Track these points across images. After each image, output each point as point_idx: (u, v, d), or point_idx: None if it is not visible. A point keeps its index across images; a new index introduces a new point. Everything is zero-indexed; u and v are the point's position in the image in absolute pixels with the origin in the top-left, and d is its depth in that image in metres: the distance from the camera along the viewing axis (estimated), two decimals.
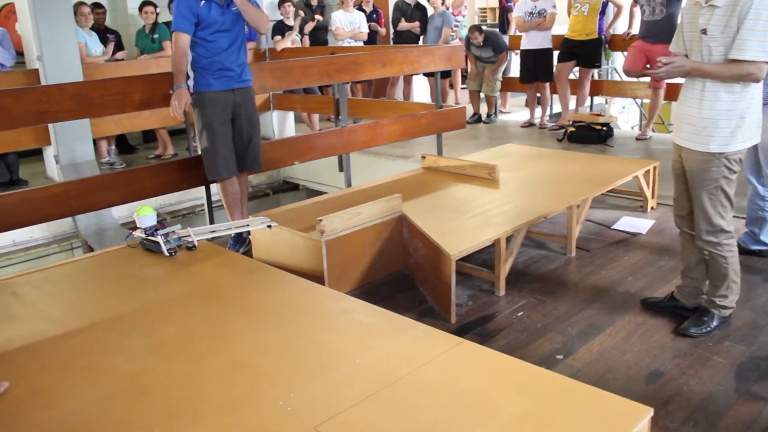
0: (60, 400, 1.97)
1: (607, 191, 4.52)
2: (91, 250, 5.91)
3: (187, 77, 3.83)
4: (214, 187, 4.24)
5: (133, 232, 3.33)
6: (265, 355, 2.19)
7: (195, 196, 7.17)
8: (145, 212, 3.33)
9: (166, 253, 3.10)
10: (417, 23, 8.64)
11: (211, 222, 4.72)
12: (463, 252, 3.21)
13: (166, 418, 1.85)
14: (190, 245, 3.23)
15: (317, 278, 3.16)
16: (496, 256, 3.47)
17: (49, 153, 6.87)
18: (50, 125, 6.31)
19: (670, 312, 3.19)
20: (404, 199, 3.73)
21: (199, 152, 4.07)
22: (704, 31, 2.75)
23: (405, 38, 8.65)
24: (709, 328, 3.00)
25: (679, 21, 3.02)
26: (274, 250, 3.54)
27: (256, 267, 3.02)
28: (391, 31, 8.87)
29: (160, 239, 3.14)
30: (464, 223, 3.60)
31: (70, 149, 6.50)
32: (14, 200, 3.65)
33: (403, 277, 3.70)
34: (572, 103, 7.72)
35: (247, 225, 3.56)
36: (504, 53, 7.98)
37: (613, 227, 4.43)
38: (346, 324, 2.40)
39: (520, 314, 3.28)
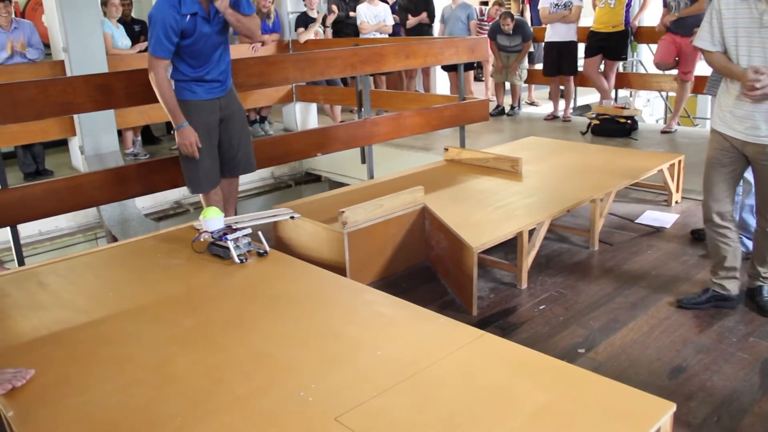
0: (84, 388, 1.99)
1: (631, 185, 4.47)
2: (115, 240, 5.98)
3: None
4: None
5: (200, 236, 3.08)
6: (285, 345, 2.20)
7: None
8: (211, 214, 3.11)
9: (237, 260, 2.88)
10: (424, 14, 8.57)
11: (234, 213, 4.75)
12: (485, 245, 3.20)
13: (188, 407, 1.86)
14: (261, 251, 2.99)
15: (339, 270, 3.16)
16: (518, 249, 3.45)
17: (74, 143, 6.95)
18: (75, 116, 6.38)
19: (704, 308, 3.17)
20: (426, 191, 3.73)
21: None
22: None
23: (418, 32, 8.58)
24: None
25: (712, 16, 2.89)
26: (296, 241, 3.55)
27: (279, 258, 3.03)
28: (401, 32, 8.78)
29: (230, 245, 2.92)
30: (487, 215, 3.58)
31: (95, 140, 6.58)
32: (40, 190, 3.69)
33: (424, 269, 3.70)
34: (597, 96, 7.65)
35: (273, 216, 3.57)
36: (529, 42, 7.91)
37: (636, 221, 4.39)
38: (367, 315, 2.41)
39: (541, 307, 3.27)
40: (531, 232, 3.49)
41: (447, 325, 2.27)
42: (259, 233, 3.04)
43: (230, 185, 4.08)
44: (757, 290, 3.16)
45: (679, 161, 4.62)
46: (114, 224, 6.34)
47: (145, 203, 6.85)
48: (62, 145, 7.45)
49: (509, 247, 3.81)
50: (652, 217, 4.44)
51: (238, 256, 2.89)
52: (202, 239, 3.05)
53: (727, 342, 2.88)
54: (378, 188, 4.02)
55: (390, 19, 8.26)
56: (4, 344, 2.28)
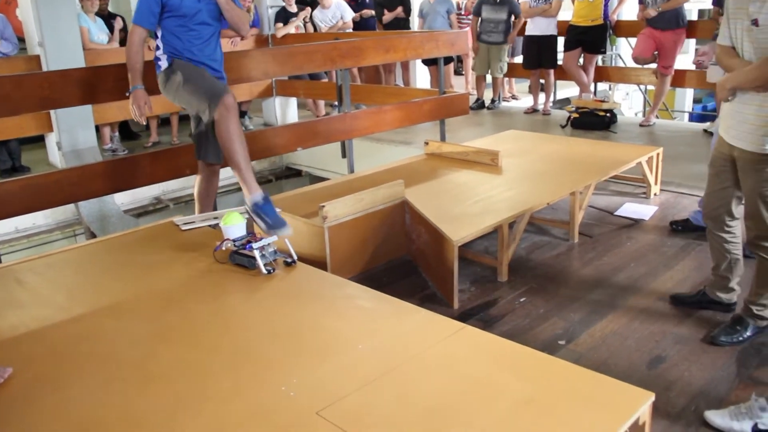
0: (65, 385, 1.98)
1: (610, 177, 4.51)
2: (93, 236, 5.93)
3: (157, 59, 3.51)
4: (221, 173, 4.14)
5: (221, 244, 2.87)
6: (267, 340, 2.20)
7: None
8: (233, 221, 2.90)
9: (264, 271, 2.69)
10: (399, 8, 8.54)
11: (215, 208, 4.72)
12: (465, 238, 3.21)
13: (170, 403, 1.86)
14: (289, 261, 2.82)
15: (320, 264, 3.16)
16: (498, 242, 3.47)
17: (51, 139, 6.86)
18: (52, 112, 6.30)
19: (702, 307, 3.09)
20: (407, 185, 3.73)
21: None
22: (755, 22, 2.52)
23: (395, 27, 8.52)
24: (741, 338, 2.80)
25: (726, 12, 2.74)
26: None
27: None
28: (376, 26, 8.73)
29: (256, 254, 2.72)
30: (467, 209, 3.59)
31: (72, 136, 6.49)
32: (16, 187, 3.64)
33: (405, 263, 3.71)
34: (576, 90, 7.69)
35: None
36: (520, 18, 7.75)
37: (615, 213, 4.43)
38: (348, 309, 2.41)
39: (522, 300, 3.29)
40: (511, 225, 3.50)
41: (428, 319, 2.28)
42: (287, 241, 2.89)
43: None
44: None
45: (658, 154, 4.66)
46: (93, 221, 6.29)
47: (125, 199, 6.79)
48: (39, 141, 7.36)
49: (490, 241, 3.83)
50: (631, 209, 4.48)
51: (265, 266, 2.71)
52: (224, 248, 2.85)
53: (706, 332, 2.92)
54: (358, 182, 4.02)
55: (348, 15, 8.09)
56: None
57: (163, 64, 3.49)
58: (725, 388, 2.53)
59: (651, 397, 1.79)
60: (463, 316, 3.13)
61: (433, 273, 3.44)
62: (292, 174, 8.20)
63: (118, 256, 3.04)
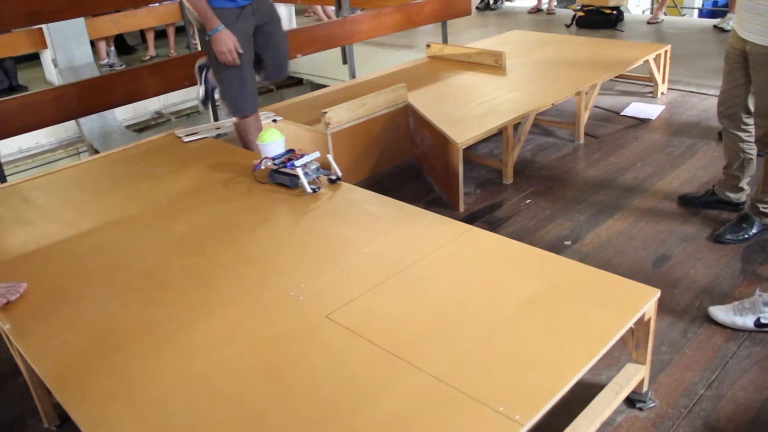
0: (79, 298, 2.01)
1: (617, 77, 4.42)
2: (96, 153, 5.91)
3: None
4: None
5: (260, 163, 2.68)
6: (274, 247, 2.21)
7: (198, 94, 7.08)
8: (271, 137, 2.74)
9: (309, 190, 2.51)
10: None
11: (216, 119, 4.69)
12: (470, 140, 3.18)
13: (182, 311, 1.89)
14: (333, 178, 2.64)
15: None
16: (503, 144, 3.44)
17: (46, 57, 6.76)
18: (45, 28, 6.17)
19: (710, 207, 3.09)
20: (410, 89, 3.67)
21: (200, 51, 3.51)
22: None
23: None
24: (747, 236, 2.82)
25: None
26: None
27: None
28: None
29: (299, 172, 2.53)
30: (471, 111, 3.55)
31: (68, 52, 6.39)
32: (15, 105, 3.60)
33: (410, 167, 3.69)
34: None
35: None
36: None
37: (622, 113, 4.37)
38: (355, 214, 2.41)
39: (528, 202, 3.29)
40: (516, 127, 3.47)
41: (434, 221, 2.28)
42: (329, 157, 2.71)
43: None
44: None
45: (666, 51, 4.54)
46: (95, 138, 6.26)
47: (126, 115, 6.75)
48: (35, 59, 7.24)
49: (495, 143, 3.80)
50: (637, 109, 4.42)
51: (309, 184, 2.54)
52: (263, 167, 2.68)
53: (711, 231, 2.92)
54: (360, 88, 3.96)
55: None
56: None
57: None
58: (729, 285, 2.55)
59: (656, 293, 1.81)
60: (469, 219, 3.14)
61: (439, 176, 3.43)
62: (294, 83, 8.09)
63: (122, 170, 3.03)
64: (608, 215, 3.11)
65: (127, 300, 1.97)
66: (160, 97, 6.88)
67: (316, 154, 2.62)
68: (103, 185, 2.92)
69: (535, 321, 1.72)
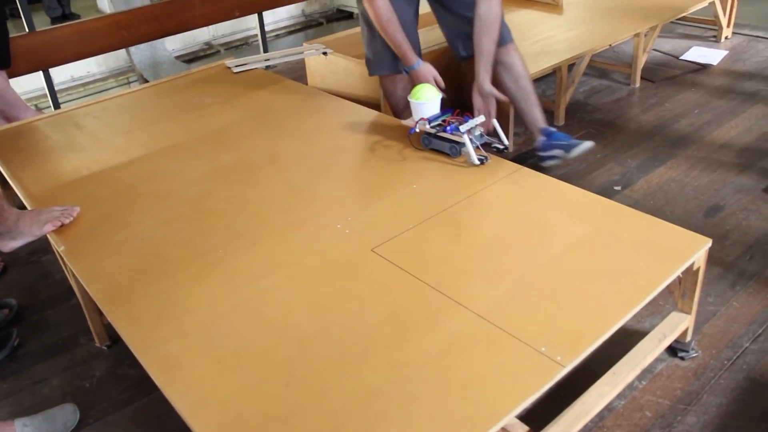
0: (128, 223, 2.05)
1: (678, 19, 4.24)
2: (146, 82, 5.96)
3: None
4: (267, 16, 4.07)
5: (416, 126, 2.34)
6: (321, 179, 2.21)
7: (248, 26, 7.05)
8: (426, 96, 2.41)
9: (476, 161, 2.18)
10: None
11: (265, 51, 4.66)
12: None
13: (229, 239, 1.91)
14: (501, 147, 2.39)
15: (373, 105, 3.10)
16: (556, 85, 3.36)
17: None
18: None
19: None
20: None
21: None
22: None
23: None
24: None
25: None
26: (329, 78, 3.48)
27: (314, 94, 2.99)
28: None
29: (466, 139, 2.19)
30: (525, 49, 3.44)
31: None
32: (67, 32, 3.64)
33: (459, 105, 3.63)
34: None
35: (302, 53, 3.49)
36: None
37: (681, 58, 4.21)
38: (403, 149, 2.39)
39: None
40: (570, 68, 3.37)
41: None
42: (495, 122, 2.50)
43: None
44: None
45: None
46: (145, 67, 6.30)
47: (175, 45, 6.76)
48: None
49: (547, 83, 3.71)
50: (698, 53, 4.25)
51: (477, 155, 2.21)
52: (418, 129, 2.35)
53: (767, 182, 2.83)
54: None
55: None
56: (49, 184, 2.33)
57: None
58: None
59: (707, 242, 1.77)
60: (518, 160, 3.08)
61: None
62: (344, 16, 7.99)
63: (172, 100, 3.05)
64: (661, 162, 3.04)
65: (175, 227, 2.00)
66: (210, 28, 6.86)
67: (481, 119, 2.32)
68: (153, 114, 2.94)
69: (581, 264, 1.70)
